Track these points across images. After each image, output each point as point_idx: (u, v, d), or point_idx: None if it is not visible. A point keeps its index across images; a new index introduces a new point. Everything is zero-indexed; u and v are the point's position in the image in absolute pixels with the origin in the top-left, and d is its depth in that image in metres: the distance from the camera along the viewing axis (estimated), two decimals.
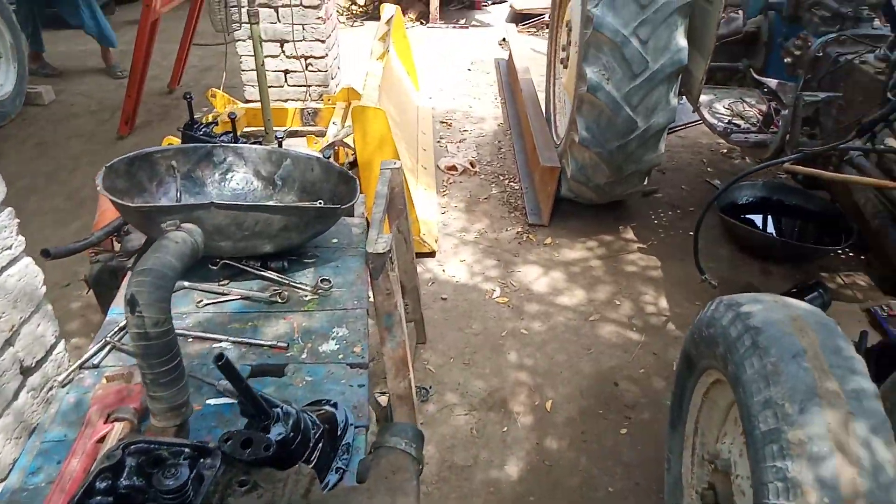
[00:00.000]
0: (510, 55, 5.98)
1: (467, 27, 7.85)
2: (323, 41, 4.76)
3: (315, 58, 4.82)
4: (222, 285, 1.75)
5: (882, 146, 2.19)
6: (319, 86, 4.93)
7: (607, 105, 3.04)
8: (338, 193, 2.01)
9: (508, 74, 5.83)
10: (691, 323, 1.74)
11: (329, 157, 3.48)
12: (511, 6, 7.98)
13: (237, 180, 2.11)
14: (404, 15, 7.87)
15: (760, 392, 1.27)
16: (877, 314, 2.98)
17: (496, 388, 2.65)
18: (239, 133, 4.56)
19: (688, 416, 1.88)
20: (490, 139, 4.93)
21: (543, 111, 4.51)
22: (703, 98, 3.43)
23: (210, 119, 4.38)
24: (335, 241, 2.01)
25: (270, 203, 1.93)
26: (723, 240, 3.62)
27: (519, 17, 7.79)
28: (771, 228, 3.68)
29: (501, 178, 4.35)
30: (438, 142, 4.84)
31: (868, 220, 2.16)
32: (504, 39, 6.86)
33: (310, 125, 4.69)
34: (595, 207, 3.80)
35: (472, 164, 4.44)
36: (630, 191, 3.61)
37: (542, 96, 4.74)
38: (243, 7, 3.32)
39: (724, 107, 3.40)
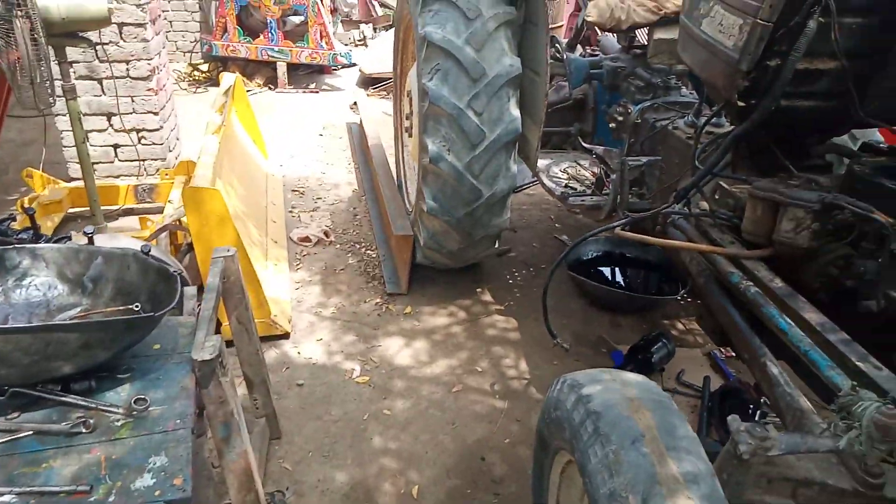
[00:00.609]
0: (361, 120, 5.99)
1: (318, 91, 7.82)
2: (156, 113, 4.48)
3: (148, 131, 4.52)
4: (11, 419, 1.48)
5: (697, 209, 2.36)
6: (156, 159, 4.62)
7: (450, 175, 3.07)
8: (157, 294, 1.81)
9: (361, 139, 5.83)
10: (549, 385, 1.71)
11: (162, 242, 3.21)
12: (361, 70, 8.08)
13: (37, 285, 1.85)
14: (251, 80, 7.71)
15: (605, 483, 1.24)
16: (717, 358, 3.18)
17: (359, 481, 2.49)
18: (63, 214, 4.16)
19: (548, 494, 1.83)
20: (345, 206, 4.84)
21: (395, 177, 4.51)
22: (541, 163, 3.58)
23: (27, 203, 3.93)
24: (157, 346, 1.80)
25: (70, 316, 1.70)
26: (574, 294, 3.75)
27: (369, 81, 7.90)
28: (619, 279, 3.87)
29: (358, 246, 4.26)
30: (290, 212, 4.67)
31: (694, 278, 2.30)
32: (355, 104, 6.89)
33: (146, 202, 4.37)
34: (452, 271, 3.80)
35: (326, 234, 4.31)
36: (483, 254, 3.66)
37: (393, 160, 4.75)
38: (57, 80, 3.02)
39: (560, 170, 3.57)
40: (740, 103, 2.02)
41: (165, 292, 1.78)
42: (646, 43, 3.40)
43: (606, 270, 3.93)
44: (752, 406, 2.69)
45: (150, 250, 1.96)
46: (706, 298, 2.23)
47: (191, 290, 2.18)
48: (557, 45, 3.64)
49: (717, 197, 2.33)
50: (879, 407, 1.35)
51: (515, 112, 3.08)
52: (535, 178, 3.33)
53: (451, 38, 2.94)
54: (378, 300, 3.66)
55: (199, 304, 1.98)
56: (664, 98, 3.19)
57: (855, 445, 1.30)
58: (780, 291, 1.85)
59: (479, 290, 3.81)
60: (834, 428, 1.37)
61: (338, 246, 4.24)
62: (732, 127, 2.30)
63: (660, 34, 3.16)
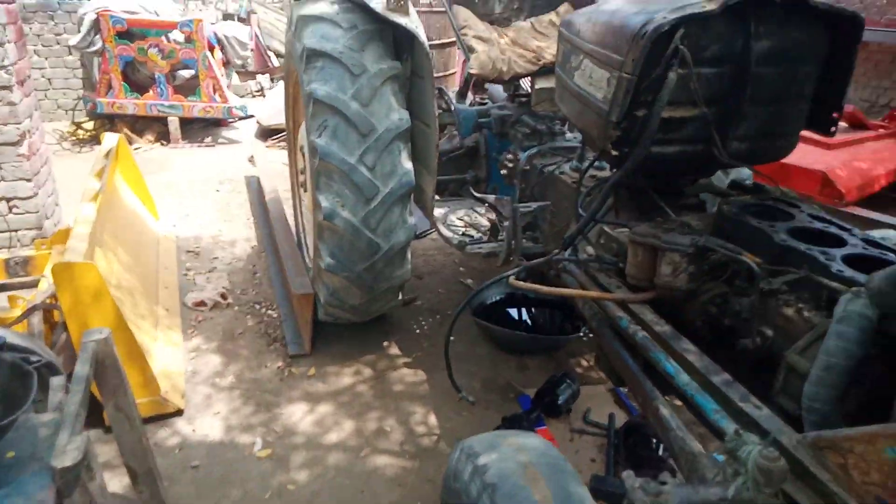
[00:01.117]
0: (259, 174, 5.85)
1: (214, 145, 7.59)
2: (29, 180, 4.18)
3: (21, 199, 4.19)
4: None
5: (585, 255, 2.41)
6: (31, 229, 4.29)
7: (347, 231, 3.01)
8: (11, 393, 1.62)
9: (259, 194, 5.67)
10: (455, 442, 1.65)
11: (35, 323, 2.94)
12: (258, 122, 7.93)
13: None
14: (141, 137, 7.39)
15: None
16: (620, 394, 3.24)
17: None
18: None
19: None
20: (244, 265, 4.66)
21: (294, 232, 4.40)
22: (438, 211, 3.59)
23: None
24: (11, 454, 1.60)
25: None
26: (481, 340, 3.74)
27: (268, 132, 7.75)
28: (526, 318, 3.90)
29: (258, 307, 4.09)
30: (185, 275, 4.44)
31: (588, 322, 2.33)
32: (252, 157, 6.73)
33: (19, 276, 4.01)
34: (358, 325, 3.71)
35: (223, 297, 4.11)
36: (388, 306, 3.59)
37: (292, 214, 4.64)
38: None
39: (458, 218, 3.59)
40: (614, 152, 2.09)
41: (21, 390, 1.61)
42: (529, 91, 3.51)
43: (514, 311, 3.96)
44: (655, 440, 2.74)
45: (3, 343, 1.78)
46: (600, 342, 2.26)
47: (59, 381, 1.97)
48: (445, 96, 3.69)
49: (602, 242, 2.39)
50: (762, 451, 1.38)
51: (408, 165, 3.08)
52: (433, 228, 3.31)
53: (338, 95, 2.91)
54: (280, 364, 3.50)
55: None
56: (550, 144, 3.29)
57: (742, 492, 1.31)
58: (666, 334, 1.90)
59: (385, 343, 3.73)
60: (724, 474, 1.39)
61: (236, 308, 4.05)
62: (612, 172, 2.39)
63: (541, 83, 3.27)
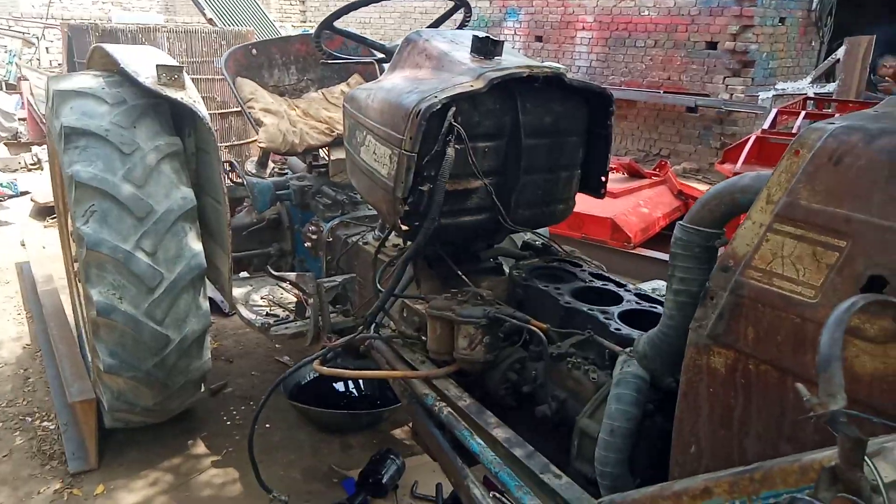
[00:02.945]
0: (31, 261, 5.12)
1: None
2: None
3: None
4: None
5: (390, 330, 2.34)
6: None
7: (127, 325, 2.67)
8: None
9: (31, 283, 4.95)
10: None
11: None
12: (33, 199, 7.02)
13: None
14: None
15: None
16: None
17: None
18: None
19: None
20: (13, 368, 3.98)
21: (74, 328, 3.86)
22: (239, 291, 3.36)
23: None
24: None
25: None
26: (300, 424, 3.50)
27: (45, 211, 6.88)
28: (353, 390, 3.73)
29: (30, 418, 3.48)
30: None
31: (400, 399, 2.25)
32: (23, 241, 5.91)
33: None
34: (156, 426, 3.29)
35: None
36: (190, 400, 3.23)
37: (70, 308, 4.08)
38: None
39: (261, 297, 3.38)
40: (404, 227, 2.07)
41: None
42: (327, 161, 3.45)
43: (340, 385, 3.78)
44: None
45: None
46: (412, 419, 2.19)
47: None
48: (236, 169, 3.51)
49: (405, 316, 2.34)
50: None
51: (196, 246, 2.83)
52: (233, 312, 3.07)
53: (105, 176, 2.62)
54: (58, 485, 2.98)
55: None
56: (352, 213, 3.23)
57: None
58: (470, 409, 1.87)
59: (190, 441, 3.35)
60: None
61: (0, 424, 3.42)
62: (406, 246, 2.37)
63: (337, 153, 3.23)
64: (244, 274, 3.71)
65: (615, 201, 5.78)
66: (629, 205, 5.86)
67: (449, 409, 1.91)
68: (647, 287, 2.27)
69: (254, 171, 4.21)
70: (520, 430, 1.84)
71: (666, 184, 6.45)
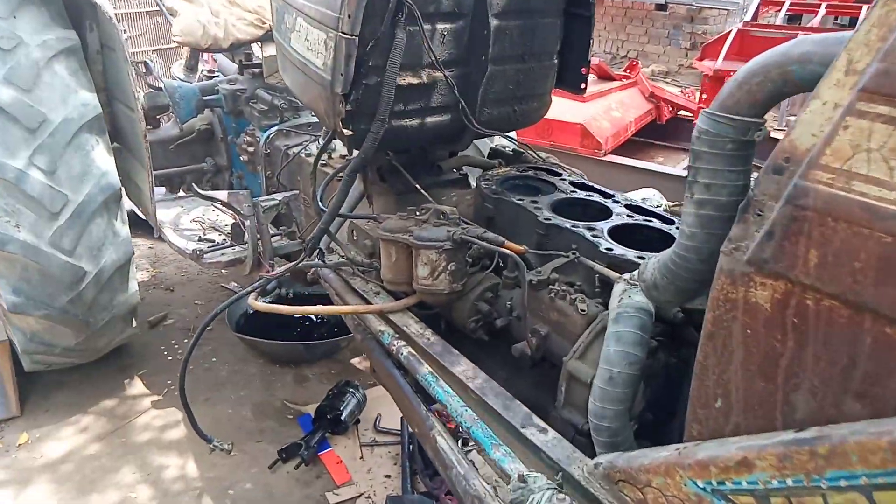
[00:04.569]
0: None
1: None
2: None
3: None
4: None
5: (340, 256, 1.99)
6: None
7: (29, 257, 2.28)
8: None
9: None
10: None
11: None
12: None
13: None
14: None
15: None
16: None
17: None
18: None
19: None
20: None
21: None
22: (167, 213, 2.94)
23: None
24: None
25: None
26: (250, 356, 3.20)
27: None
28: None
29: None
30: None
31: (353, 333, 1.94)
32: None
33: None
34: (88, 365, 2.95)
35: None
36: (122, 336, 2.89)
37: None
38: None
39: (192, 220, 2.96)
40: (347, 131, 1.68)
41: None
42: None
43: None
44: None
45: None
46: (368, 357, 1.89)
47: None
48: (153, 72, 3.00)
49: (354, 239, 2.00)
50: (551, 497, 1.11)
51: (106, 162, 2.40)
52: (159, 235, 2.68)
53: None
54: None
55: None
56: (293, 121, 2.80)
57: None
58: (434, 348, 1.57)
59: (126, 380, 3.03)
60: None
61: None
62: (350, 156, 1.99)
63: (271, 50, 2.75)
64: (178, 193, 3.27)
65: (584, 105, 5.38)
66: (599, 109, 5.47)
67: (409, 348, 1.60)
68: (635, 197, 1.95)
69: (182, 77, 3.69)
70: (494, 370, 1.56)
71: (637, 86, 6.05)
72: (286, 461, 2.55)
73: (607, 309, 1.34)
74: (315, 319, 3.38)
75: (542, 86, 1.99)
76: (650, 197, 2.02)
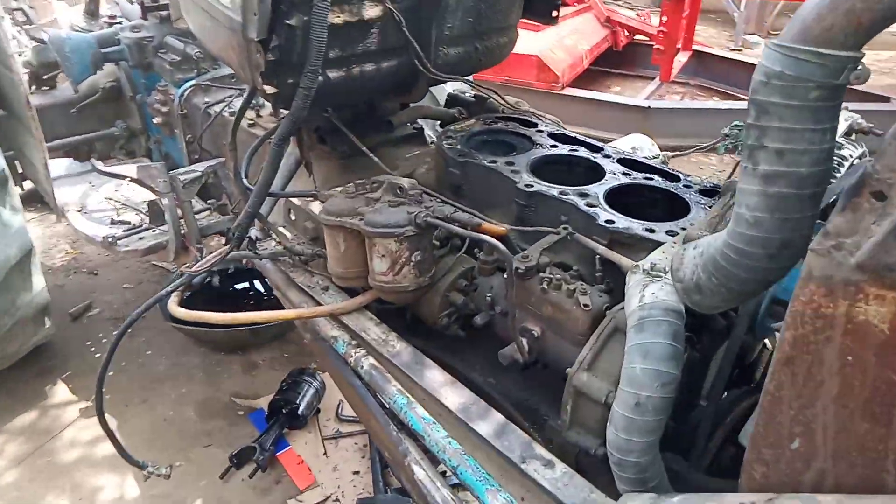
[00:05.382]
0: None
1: None
2: None
3: None
4: None
5: (275, 243, 1.64)
6: None
7: None
8: None
9: None
10: None
11: None
12: None
13: None
14: None
15: None
16: None
17: None
18: None
19: None
20: None
21: None
22: (71, 191, 2.49)
23: None
24: None
25: None
26: (189, 346, 2.85)
27: None
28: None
29: None
30: None
31: (303, 337, 1.62)
32: None
33: None
34: (1, 373, 2.56)
35: None
36: (36, 339, 2.50)
37: None
38: None
39: (105, 198, 2.52)
40: (270, 88, 1.31)
41: None
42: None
43: (245, 283, 3.09)
44: None
45: None
46: (322, 363, 1.58)
47: None
48: (32, 21, 2.49)
49: (293, 219, 1.65)
50: None
51: None
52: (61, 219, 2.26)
53: None
54: None
55: None
56: (212, 73, 2.37)
57: None
58: (401, 359, 1.27)
59: (47, 386, 2.65)
60: None
61: None
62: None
63: None
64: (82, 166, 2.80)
65: (537, 35, 4.97)
66: (552, 39, 5.07)
67: (370, 359, 1.30)
68: (624, 146, 1.65)
69: (84, 25, 3.15)
70: (474, 363, 1.28)
71: (592, 10, 5.66)
72: (239, 467, 2.25)
73: (612, 295, 1.06)
74: (265, 293, 3.04)
75: (507, 17, 1.64)
76: (640, 145, 1.72)
